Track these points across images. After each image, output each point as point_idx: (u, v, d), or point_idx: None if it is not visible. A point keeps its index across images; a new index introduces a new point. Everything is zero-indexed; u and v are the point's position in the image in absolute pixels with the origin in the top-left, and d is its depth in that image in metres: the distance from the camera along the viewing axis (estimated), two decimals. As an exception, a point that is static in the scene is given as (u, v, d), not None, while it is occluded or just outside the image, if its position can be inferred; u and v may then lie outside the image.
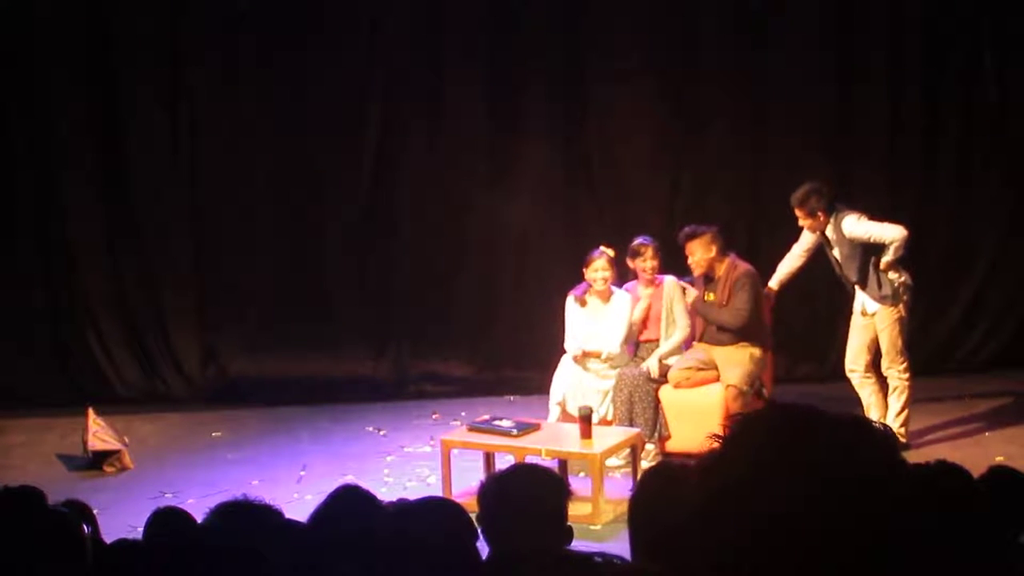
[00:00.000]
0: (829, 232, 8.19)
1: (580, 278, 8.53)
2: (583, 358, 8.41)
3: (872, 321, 8.23)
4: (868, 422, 1.78)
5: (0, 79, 10.11)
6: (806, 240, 8.51)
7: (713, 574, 1.73)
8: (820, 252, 8.46)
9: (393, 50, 10.20)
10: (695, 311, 8.50)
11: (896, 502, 1.67)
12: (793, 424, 1.74)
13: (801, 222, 8.24)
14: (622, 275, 8.60)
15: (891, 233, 8.07)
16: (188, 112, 10.26)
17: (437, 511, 3.58)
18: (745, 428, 1.77)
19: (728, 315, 8.34)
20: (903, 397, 8.25)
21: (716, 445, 1.77)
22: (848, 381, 8.42)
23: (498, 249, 10.29)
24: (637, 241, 8.54)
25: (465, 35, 10.19)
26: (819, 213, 8.13)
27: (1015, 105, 10.04)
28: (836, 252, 8.24)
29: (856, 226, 8.07)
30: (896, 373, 8.23)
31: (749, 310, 8.33)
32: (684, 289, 8.60)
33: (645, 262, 8.48)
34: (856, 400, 8.29)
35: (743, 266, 8.44)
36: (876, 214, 8.27)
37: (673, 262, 8.66)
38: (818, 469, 1.68)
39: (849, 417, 1.78)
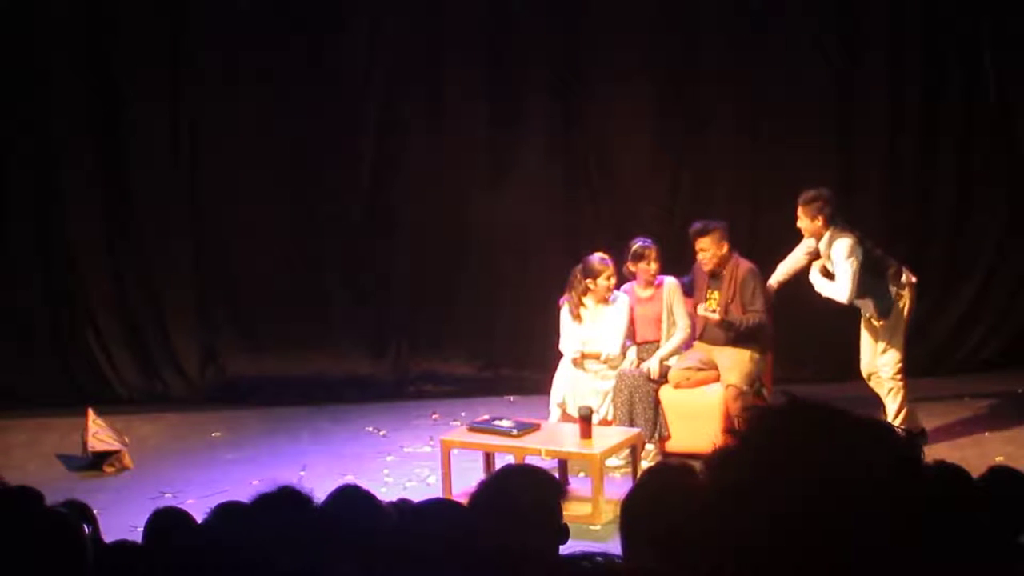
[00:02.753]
0: (822, 245, 8.19)
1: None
2: (582, 360, 8.41)
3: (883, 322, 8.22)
4: (889, 426, 1.76)
5: (0, 79, 10.11)
6: (810, 241, 8.49)
7: (714, 573, 1.73)
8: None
9: (393, 50, 10.20)
10: (722, 328, 8.39)
11: (897, 503, 1.66)
12: (809, 423, 1.72)
13: (799, 222, 8.22)
14: (620, 277, 8.60)
15: (842, 294, 8.04)
16: (188, 112, 10.26)
17: (444, 512, 3.58)
18: (761, 424, 1.75)
19: (752, 319, 8.31)
20: (898, 398, 8.21)
21: (731, 440, 1.75)
22: (850, 382, 8.40)
23: (498, 249, 10.29)
24: (639, 244, 8.51)
25: (465, 35, 10.19)
26: (820, 218, 8.11)
27: (1015, 105, 10.03)
28: (828, 265, 8.23)
29: (841, 254, 8.02)
30: (889, 372, 8.20)
31: (765, 311, 8.35)
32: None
33: (650, 264, 8.47)
34: (857, 400, 8.26)
35: (745, 264, 8.45)
36: (873, 241, 8.24)
37: (672, 262, 8.66)
38: (826, 470, 1.67)
39: (871, 420, 1.76)
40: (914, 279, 8.24)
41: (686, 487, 2.98)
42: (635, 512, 3.12)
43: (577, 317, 8.46)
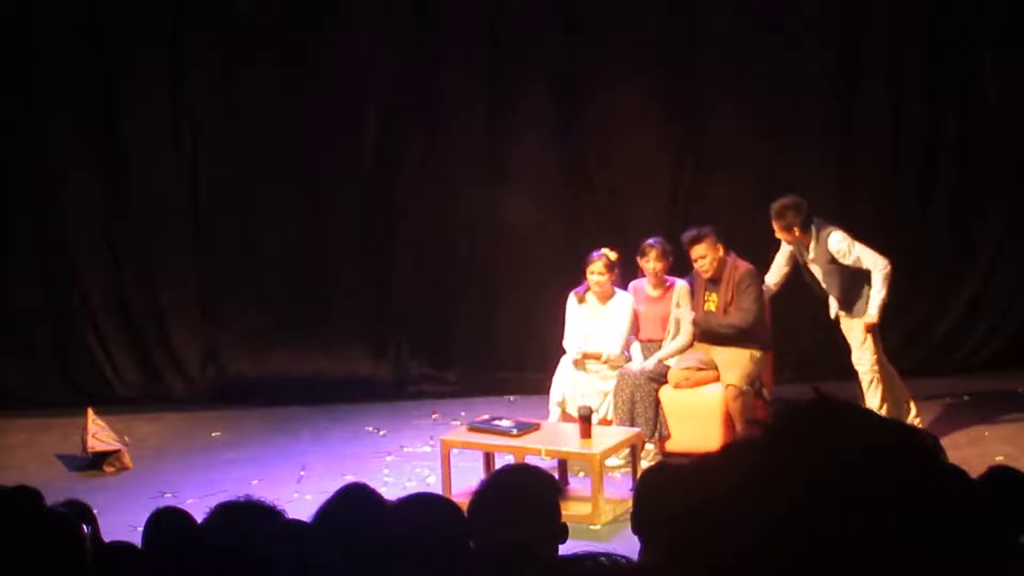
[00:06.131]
0: (811, 248, 8.20)
1: (580, 278, 8.56)
2: (582, 360, 8.41)
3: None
4: (912, 427, 1.75)
5: (0, 78, 10.10)
6: (786, 248, 8.52)
7: (721, 571, 1.73)
8: None
9: (393, 50, 10.20)
10: (697, 326, 8.43)
11: (912, 503, 1.66)
12: (835, 419, 1.71)
13: (777, 234, 8.28)
14: (630, 273, 8.62)
15: (880, 262, 8.07)
16: (188, 112, 10.26)
17: (428, 508, 3.58)
18: (786, 418, 1.74)
19: (736, 316, 8.32)
20: (879, 391, 8.20)
21: (754, 432, 1.74)
22: (846, 382, 8.40)
23: (498, 249, 10.29)
24: (646, 242, 8.57)
25: (465, 35, 10.19)
26: (795, 228, 8.15)
27: (1015, 105, 10.03)
28: (815, 269, 8.25)
29: (843, 243, 8.05)
30: (864, 367, 8.21)
31: (756, 310, 8.34)
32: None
33: (648, 263, 8.49)
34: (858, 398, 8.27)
35: (743, 265, 8.45)
36: (860, 235, 8.26)
37: (679, 263, 8.66)
38: (847, 469, 1.66)
39: (895, 421, 1.75)
40: None
41: (689, 486, 2.98)
42: (642, 512, 3.12)
43: (582, 299, 8.50)
